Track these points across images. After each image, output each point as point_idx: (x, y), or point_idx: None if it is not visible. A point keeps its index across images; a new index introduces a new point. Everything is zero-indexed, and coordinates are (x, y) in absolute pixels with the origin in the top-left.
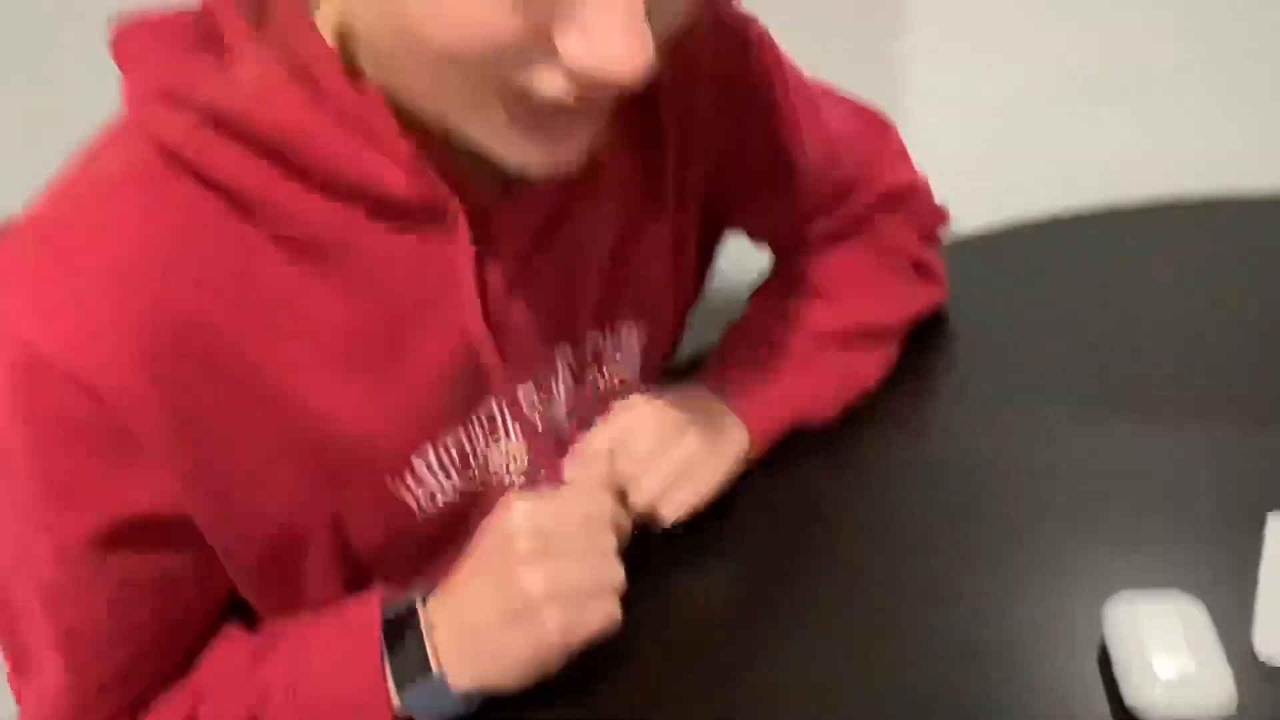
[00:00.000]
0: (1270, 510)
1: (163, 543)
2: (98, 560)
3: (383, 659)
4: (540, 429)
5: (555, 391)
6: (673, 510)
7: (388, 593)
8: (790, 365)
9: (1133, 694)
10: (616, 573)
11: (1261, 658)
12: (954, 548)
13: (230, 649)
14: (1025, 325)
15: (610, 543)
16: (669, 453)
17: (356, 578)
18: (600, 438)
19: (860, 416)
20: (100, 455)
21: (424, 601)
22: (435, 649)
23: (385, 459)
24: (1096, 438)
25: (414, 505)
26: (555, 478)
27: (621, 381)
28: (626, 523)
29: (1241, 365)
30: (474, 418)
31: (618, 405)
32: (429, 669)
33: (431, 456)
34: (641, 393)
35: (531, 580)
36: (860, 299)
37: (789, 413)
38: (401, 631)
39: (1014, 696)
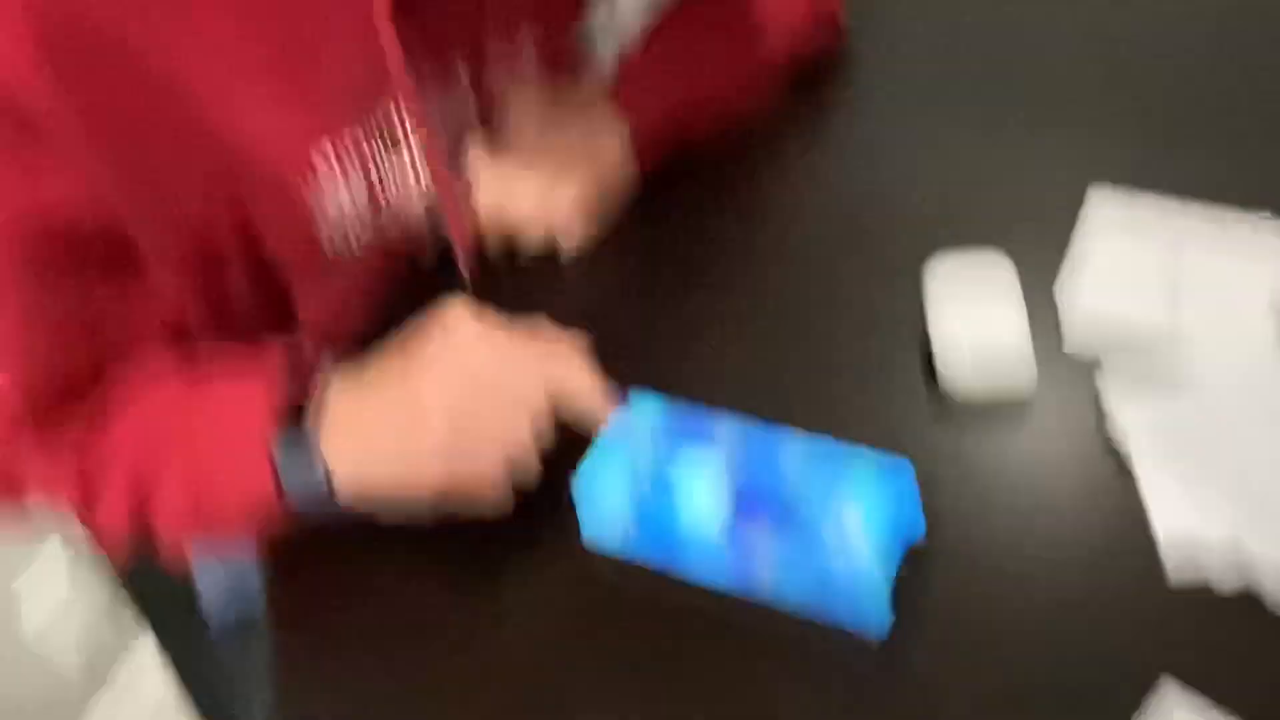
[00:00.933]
0: (1092, 182)
1: (91, 263)
2: (23, 275)
3: (274, 389)
4: (439, 138)
5: (454, 99)
6: (569, 239)
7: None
8: (677, 61)
9: (945, 374)
10: (525, 438)
11: (1060, 305)
12: (826, 234)
13: (156, 389)
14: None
15: (523, 420)
16: (549, 148)
17: (280, 310)
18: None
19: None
20: (6, 147)
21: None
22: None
23: (285, 153)
24: (963, 126)
25: (324, 233)
26: (450, 189)
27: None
28: (544, 428)
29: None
30: (373, 121)
31: (507, 96)
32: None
33: (331, 155)
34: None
35: (433, 388)
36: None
37: (674, 107)
38: (298, 374)
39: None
